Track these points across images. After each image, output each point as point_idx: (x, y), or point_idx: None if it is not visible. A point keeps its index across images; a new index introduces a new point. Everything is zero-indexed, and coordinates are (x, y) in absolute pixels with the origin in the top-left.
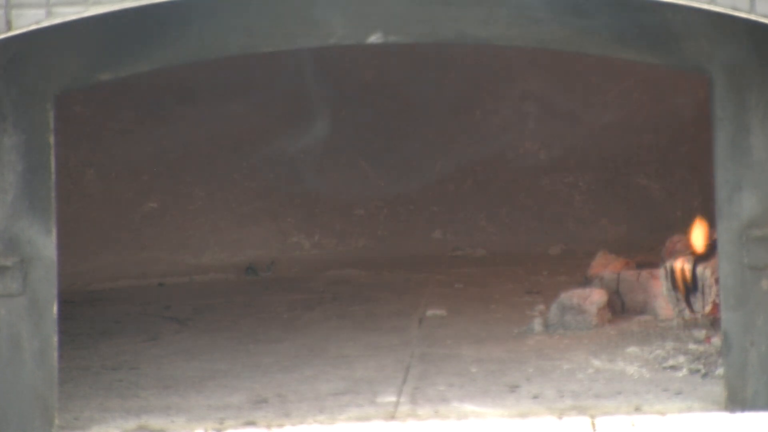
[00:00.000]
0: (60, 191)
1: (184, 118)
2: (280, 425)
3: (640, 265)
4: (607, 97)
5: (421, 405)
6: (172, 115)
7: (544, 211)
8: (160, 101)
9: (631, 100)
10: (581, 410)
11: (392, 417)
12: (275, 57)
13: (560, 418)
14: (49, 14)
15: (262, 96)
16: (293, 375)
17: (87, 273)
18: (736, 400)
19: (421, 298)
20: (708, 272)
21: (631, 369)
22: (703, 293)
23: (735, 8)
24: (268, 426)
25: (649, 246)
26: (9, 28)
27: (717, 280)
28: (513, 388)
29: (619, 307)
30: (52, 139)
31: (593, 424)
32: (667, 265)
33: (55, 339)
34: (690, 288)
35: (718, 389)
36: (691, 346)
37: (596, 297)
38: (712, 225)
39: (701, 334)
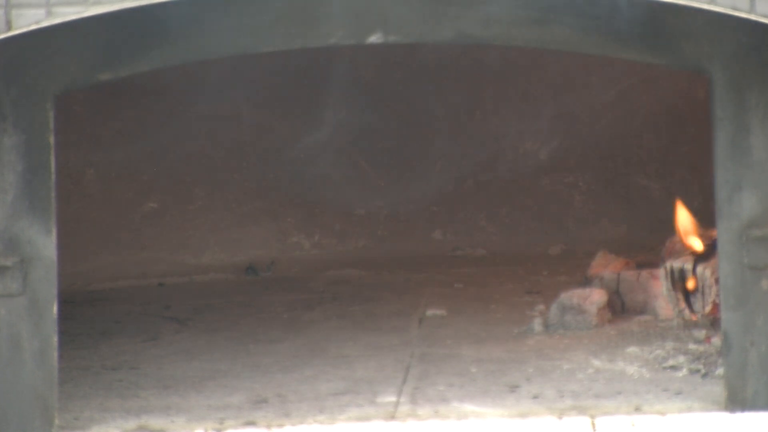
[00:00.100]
0: (60, 191)
1: (184, 118)
2: (280, 425)
3: (640, 265)
4: (607, 97)
5: (421, 405)
6: (172, 115)
7: (544, 211)
8: (160, 101)
9: (631, 100)
10: (581, 410)
11: (392, 417)
12: (275, 56)
13: (560, 418)
14: (49, 14)
15: (262, 96)
16: (293, 375)
17: (87, 273)
18: (736, 400)
19: (421, 298)
20: (708, 272)
21: (631, 369)
22: (703, 293)
23: (735, 8)
24: (268, 426)
25: (649, 246)
26: (9, 28)
27: (717, 280)
28: (513, 388)
29: (619, 307)
30: (52, 139)
31: (593, 424)
32: (667, 265)
33: (55, 339)
34: (689, 290)
35: (718, 389)
36: (691, 346)
37: (596, 297)
38: (706, 221)
39: (701, 334)
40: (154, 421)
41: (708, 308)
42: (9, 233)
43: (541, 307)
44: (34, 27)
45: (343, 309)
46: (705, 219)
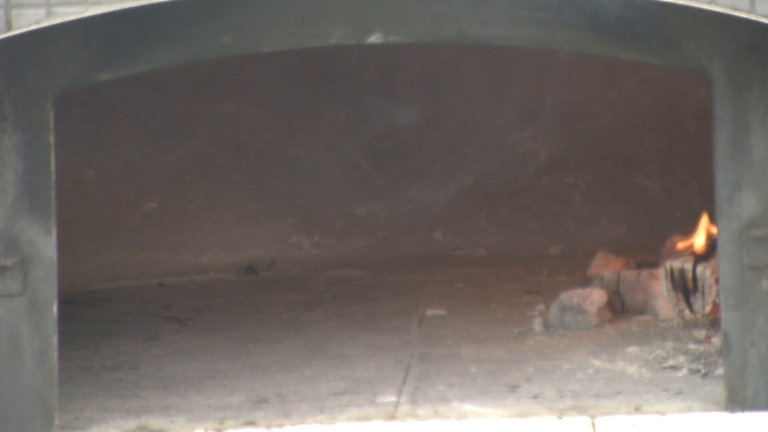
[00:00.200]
0: (60, 191)
1: (183, 118)
2: (280, 425)
3: (640, 265)
4: (607, 97)
5: (421, 405)
6: (171, 115)
7: (544, 211)
8: (160, 101)
9: (631, 100)
10: (581, 410)
11: (392, 417)
12: (275, 57)
13: (560, 418)
14: (49, 14)
15: (262, 96)
16: (293, 375)
17: (87, 273)
18: (736, 400)
19: (421, 298)
20: (708, 272)
21: (631, 369)
22: (703, 293)
23: (735, 8)
24: (268, 426)
25: (649, 246)
26: (9, 28)
27: (717, 280)
28: (513, 388)
29: (619, 307)
30: (52, 139)
31: (593, 424)
32: (667, 265)
33: (55, 339)
34: (689, 289)
35: (718, 389)
36: (691, 346)
37: (596, 297)
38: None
39: (701, 334)
40: (154, 421)
41: (708, 308)
42: (9, 233)
43: (541, 307)
44: (34, 27)
45: (343, 309)
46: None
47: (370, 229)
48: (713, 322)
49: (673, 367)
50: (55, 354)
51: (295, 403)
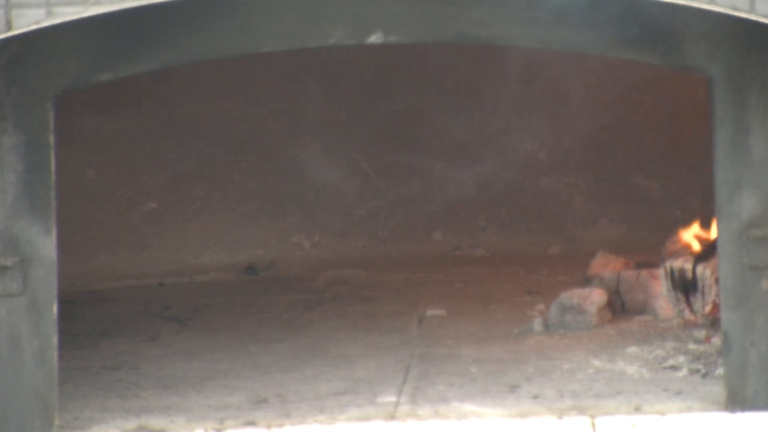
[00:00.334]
0: (60, 191)
1: (183, 118)
2: (280, 425)
3: (640, 265)
4: (607, 97)
5: (421, 405)
6: (171, 115)
7: (544, 211)
8: (160, 101)
9: (631, 100)
10: (581, 410)
11: (392, 417)
12: (275, 57)
13: (560, 418)
14: (49, 14)
15: (262, 96)
16: (293, 375)
17: (87, 273)
18: (736, 400)
19: (421, 298)
20: (708, 272)
21: (631, 369)
22: (703, 293)
23: (735, 8)
24: (268, 426)
25: (649, 246)
26: (9, 28)
27: (717, 280)
28: (513, 388)
29: (619, 307)
30: (52, 139)
31: (593, 424)
32: (667, 265)
33: (55, 339)
34: (689, 287)
35: (718, 389)
36: (691, 346)
37: (596, 297)
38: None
39: (701, 334)
40: (154, 421)
41: (708, 308)
42: (9, 233)
43: (541, 307)
44: (34, 27)
45: (343, 309)
46: (705, 219)
47: (370, 229)
48: (713, 322)
49: (673, 367)
50: (55, 354)
51: (295, 403)
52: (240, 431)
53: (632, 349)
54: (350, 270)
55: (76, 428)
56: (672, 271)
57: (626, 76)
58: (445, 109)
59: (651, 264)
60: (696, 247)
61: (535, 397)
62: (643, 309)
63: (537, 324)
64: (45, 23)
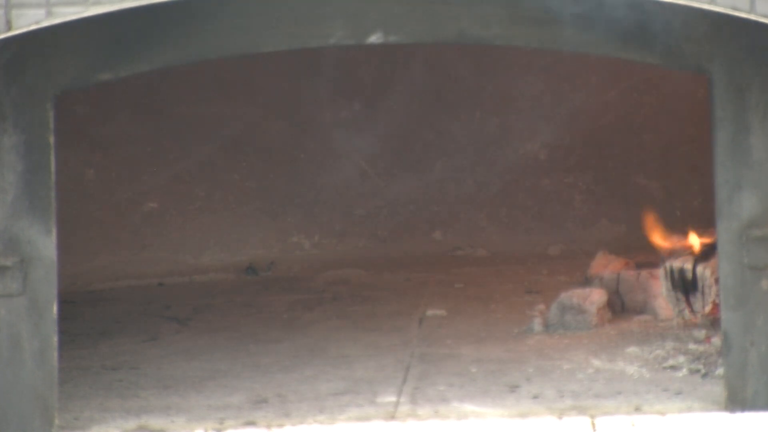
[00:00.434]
0: (60, 191)
1: (183, 118)
2: (280, 425)
3: (640, 265)
4: (607, 97)
5: (421, 405)
6: (171, 115)
7: (544, 211)
8: (160, 101)
9: (631, 100)
10: (581, 410)
11: (392, 417)
12: (275, 57)
13: (560, 418)
14: (49, 14)
15: (262, 96)
16: (293, 375)
17: (87, 273)
18: (736, 400)
19: (421, 298)
20: (708, 272)
21: (631, 369)
22: (703, 293)
23: (735, 8)
24: (268, 426)
25: (649, 246)
26: (9, 28)
27: (717, 280)
28: (513, 388)
29: (619, 307)
30: (52, 139)
31: (593, 424)
32: (667, 265)
33: (55, 339)
34: (689, 287)
35: (718, 389)
36: (691, 346)
37: (596, 297)
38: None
39: (701, 334)
40: (154, 421)
41: (708, 308)
42: (9, 233)
43: (541, 307)
44: (34, 27)
45: (343, 309)
46: (705, 219)
47: (370, 229)
48: (713, 322)
49: (673, 367)
50: (55, 354)
51: (295, 403)
52: (240, 431)
53: (632, 349)
54: (350, 270)
55: (76, 428)
56: (672, 271)
57: (626, 76)
58: (445, 108)
59: (651, 264)
60: (696, 245)
61: (535, 397)
62: (643, 309)
63: (537, 324)
64: (45, 23)
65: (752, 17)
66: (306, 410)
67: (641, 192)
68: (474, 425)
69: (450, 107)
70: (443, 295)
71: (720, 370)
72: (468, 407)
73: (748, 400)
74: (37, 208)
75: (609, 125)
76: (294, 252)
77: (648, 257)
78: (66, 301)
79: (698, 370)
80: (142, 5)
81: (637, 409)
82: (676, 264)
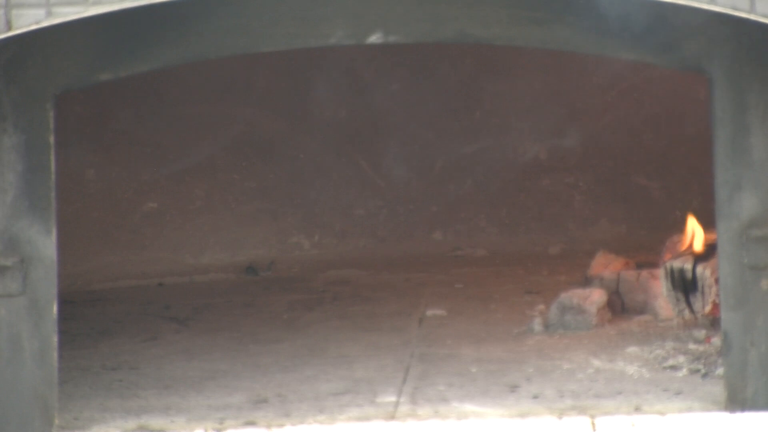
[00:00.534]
0: (60, 191)
1: (183, 118)
2: (280, 425)
3: (640, 265)
4: (607, 97)
5: (421, 405)
6: (171, 115)
7: (544, 211)
8: (160, 101)
9: (631, 100)
10: (581, 410)
11: (392, 417)
12: (275, 57)
13: (560, 418)
14: (49, 14)
15: (262, 96)
16: (293, 375)
17: (87, 273)
18: (736, 400)
19: (421, 298)
20: (708, 272)
21: (631, 369)
22: (703, 293)
23: (735, 8)
24: (268, 426)
25: (649, 246)
26: (9, 28)
27: (717, 280)
28: (513, 388)
29: (619, 307)
30: (52, 139)
31: (593, 424)
32: (667, 265)
33: (55, 339)
34: (689, 287)
35: (718, 389)
36: (691, 346)
37: (596, 297)
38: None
39: (701, 334)
40: (154, 421)
41: (708, 308)
42: (9, 233)
43: (541, 307)
44: (34, 27)
45: (343, 309)
46: (705, 219)
47: (370, 229)
48: (713, 322)
49: (673, 367)
50: (55, 354)
51: (295, 403)
52: (240, 431)
53: (632, 349)
54: (350, 270)
55: (76, 428)
56: (672, 271)
57: (626, 76)
58: (445, 108)
59: (651, 264)
60: (697, 246)
61: (535, 397)
62: (643, 309)
63: (537, 324)
64: (45, 23)
65: (752, 17)
66: (306, 410)
67: (641, 192)
68: (474, 425)
69: (450, 107)
70: (443, 295)
71: (720, 370)
72: (468, 407)
73: (748, 400)
74: (37, 208)
75: (609, 125)
76: (294, 252)
77: (648, 257)
78: (66, 301)
79: (698, 370)
80: (142, 5)
81: (637, 409)
82: (676, 264)
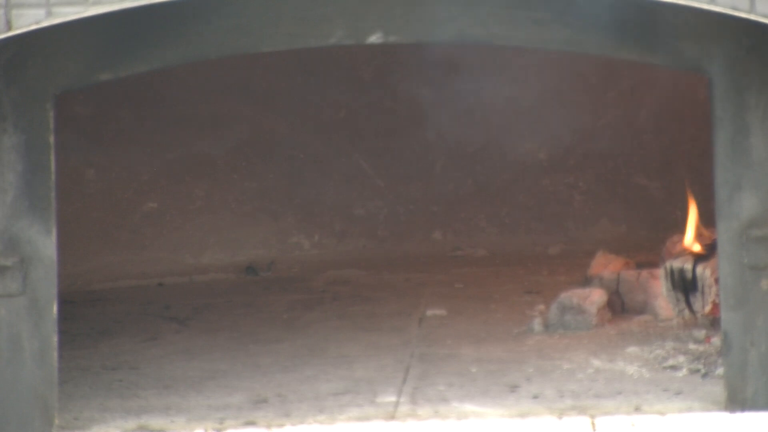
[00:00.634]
0: (60, 191)
1: (183, 117)
2: (280, 425)
3: (640, 265)
4: (607, 97)
5: (421, 405)
6: (171, 115)
7: (544, 211)
8: (160, 101)
9: (631, 100)
10: (581, 410)
11: (392, 417)
12: (275, 57)
13: (560, 418)
14: (49, 14)
15: (261, 96)
16: (293, 375)
17: (87, 273)
18: (736, 400)
19: (421, 298)
20: (708, 272)
21: (631, 369)
22: (703, 293)
23: (735, 8)
24: (268, 426)
25: (649, 246)
26: (9, 28)
27: (717, 280)
28: (513, 388)
29: (619, 307)
30: (52, 139)
31: (593, 424)
32: (667, 265)
33: (55, 339)
34: (689, 287)
35: (718, 389)
36: (691, 346)
37: (596, 297)
38: (706, 221)
39: (701, 334)
40: (154, 421)
41: (708, 308)
42: (9, 233)
43: (541, 307)
44: (34, 27)
45: (343, 309)
46: (705, 219)
47: (370, 229)
48: (713, 322)
49: (673, 367)
50: (55, 354)
51: (295, 403)
52: (240, 431)
53: (632, 349)
54: (350, 270)
55: (76, 428)
56: (672, 271)
57: (626, 76)
58: (445, 107)
59: (651, 264)
60: (696, 247)
61: (535, 397)
62: (643, 309)
63: (537, 324)
64: (45, 23)
65: (752, 17)
66: (306, 410)
67: (641, 192)
68: (474, 425)
69: (450, 107)
70: (443, 295)
71: (720, 370)
72: (468, 407)
73: (748, 400)
74: (37, 208)
75: (609, 125)
76: (294, 252)
77: (648, 257)
78: (66, 301)
79: (698, 370)
80: (142, 5)
81: (637, 409)
82: (676, 264)
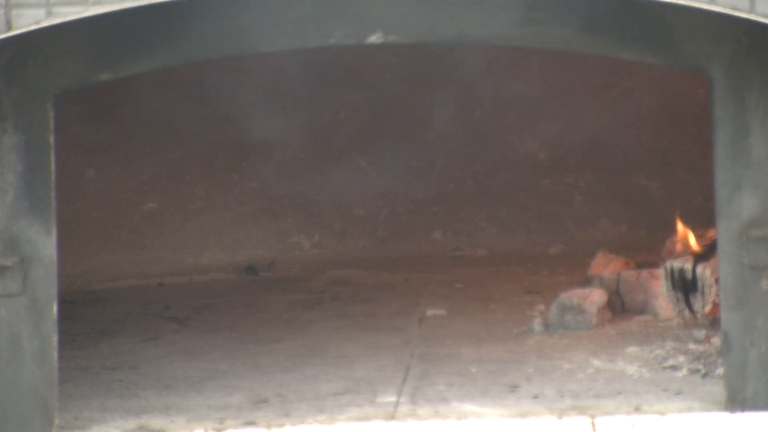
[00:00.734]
0: (60, 191)
1: (184, 117)
2: (280, 425)
3: (640, 265)
4: (607, 97)
5: (421, 405)
6: (171, 115)
7: (544, 211)
8: (161, 101)
9: (631, 100)
10: (581, 410)
11: (392, 417)
12: (275, 57)
13: (560, 418)
14: (49, 14)
15: (261, 96)
16: (293, 375)
17: (87, 273)
18: (736, 400)
19: (421, 298)
20: (708, 272)
21: (631, 369)
22: (703, 293)
23: (735, 8)
24: (268, 426)
25: (649, 246)
26: (9, 28)
27: (717, 280)
28: (513, 388)
29: (619, 307)
30: (52, 139)
31: (593, 424)
32: (667, 265)
33: (55, 339)
34: (689, 287)
35: (718, 389)
36: (691, 346)
37: (596, 297)
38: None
39: (701, 334)
40: (154, 421)
41: (708, 308)
42: (9, 233)
43: (541, 307)
44: (34, 27)
45: (343, 309)
46: (705, 219)
47: (370, 229)
48: (713, 322)
49: (673, 367)
50: (55, 354)
51: (295, 403)
52: (240, 431)
53: (632, 349)
54: (350, 270)
55: (76, 428)
56: (672, 271)
57: (626, 76)
58: (445, 108)
59: (651, 264)
60: (695, 246)
61: (535, 397)
62: (643, 309)
63: (537, 324)
64: (45, 23)
65: (752, 17)
66: (306, 410)
67: (641, 192)
68: (474, 425)
69: (450, 107)
70: (443, 295)
71: (720, 370)
72: (468, 407)
73: (748, 400)
74: (37, 208)
75: (609, 125)
76: (294, 252)
77: (648, 257)
78: (66, 301)
79: (698, 370)
80: (142, 5)
81: (637, 409)
82: (676, 264)
